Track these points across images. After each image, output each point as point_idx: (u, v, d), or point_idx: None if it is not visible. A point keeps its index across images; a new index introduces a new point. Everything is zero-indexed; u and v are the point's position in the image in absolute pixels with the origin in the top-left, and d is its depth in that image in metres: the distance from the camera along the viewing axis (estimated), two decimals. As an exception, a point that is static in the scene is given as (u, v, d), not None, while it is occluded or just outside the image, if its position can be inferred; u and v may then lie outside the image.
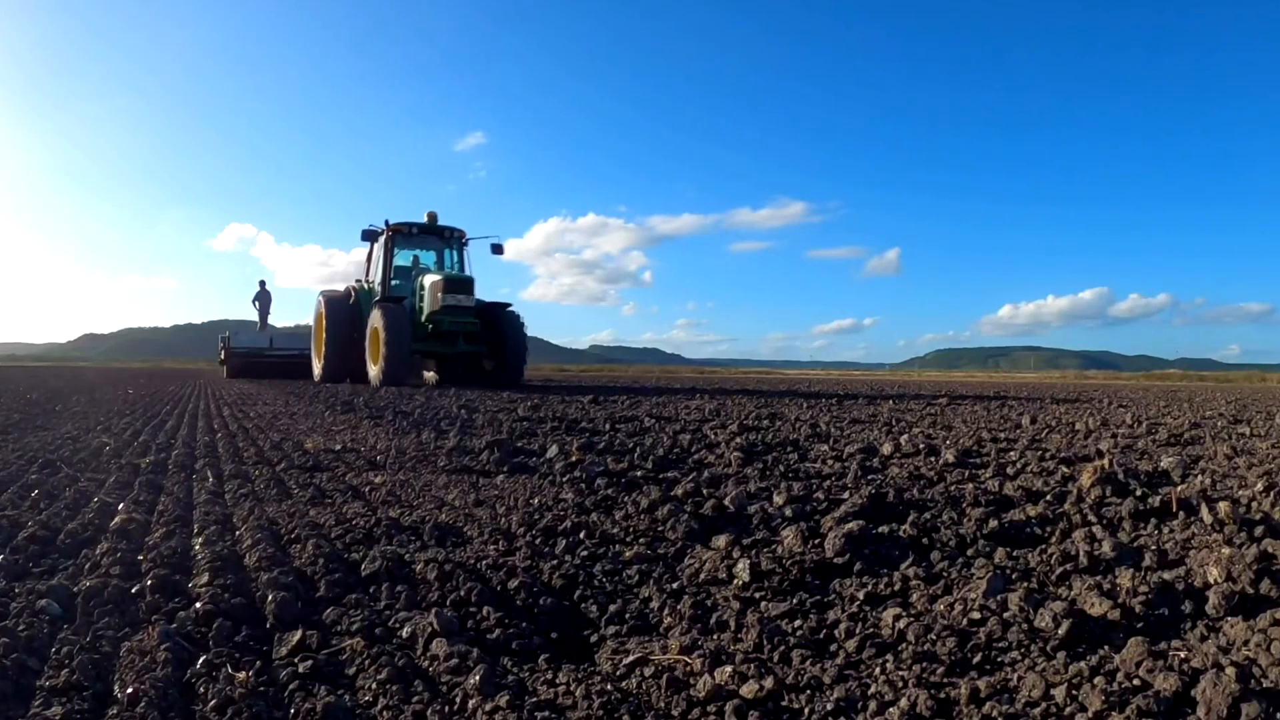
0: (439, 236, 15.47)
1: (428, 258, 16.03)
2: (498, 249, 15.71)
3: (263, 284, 24.01)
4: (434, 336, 13.91)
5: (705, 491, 2.50)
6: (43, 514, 2.15)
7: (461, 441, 3.84)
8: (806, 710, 1.07)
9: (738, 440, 4.01)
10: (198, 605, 1.40)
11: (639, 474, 2.94)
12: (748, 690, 1.09)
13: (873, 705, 1.07)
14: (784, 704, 1.09)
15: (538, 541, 1.95)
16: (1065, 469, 3.05)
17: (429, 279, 14.11)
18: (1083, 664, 1.13)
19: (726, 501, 2.29)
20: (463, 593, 1.51)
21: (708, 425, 4.92)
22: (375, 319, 13.20)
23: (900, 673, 1.17)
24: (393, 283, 14.89)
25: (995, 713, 1.03)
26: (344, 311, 15.18)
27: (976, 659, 1.21)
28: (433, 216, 15.22)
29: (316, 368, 15.66)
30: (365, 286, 15.54)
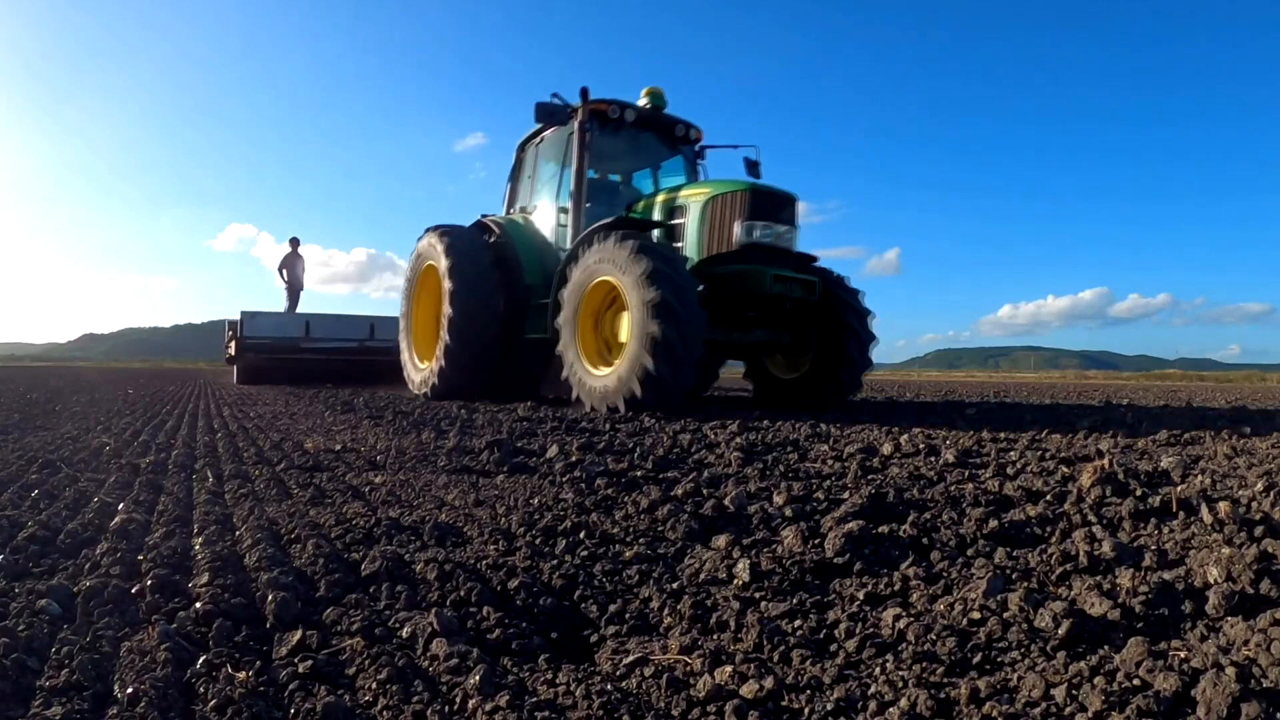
0: (663, 134, 8.16)
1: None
2: (755, 168, 8.20)
3: (295, 243, 15.83)
4: (715, 307, 6.37)
5: (705, 491, 2.50)
6: (43, 514, 2.15)
7: (461, 441, 3.84)
8: (806, 710, 1.07)
9: (738, 440, 4.01)
10: (198, 605, 1.40)
11: (639, 474, 2.94)
12: (748, 690, 1.10)
13: (873, 705, 1.07)
14: (784, 704, 1.09)
15: (538, 541, 1.95)
16: (1065, 469, 3.06)
17: (697, 193, 6.90)
18: (1083, 664, 1.13)
19: (726, 501, 2.29)
20: (463, 593, 1.51)
21: (708, 425, 4.92)
22: (621, 263, 5.91)
23: (900, 673, 1.17)
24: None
25: (995, 713, 1.03)
26: (481, 262, 7.87)
27: (976, 659, 1.21)
28: (657, 95, 8.10)
29: (418, 371, 8.50)
30: (520, 218, 8.41)
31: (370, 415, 5.77)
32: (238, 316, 13.37)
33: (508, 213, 8.86)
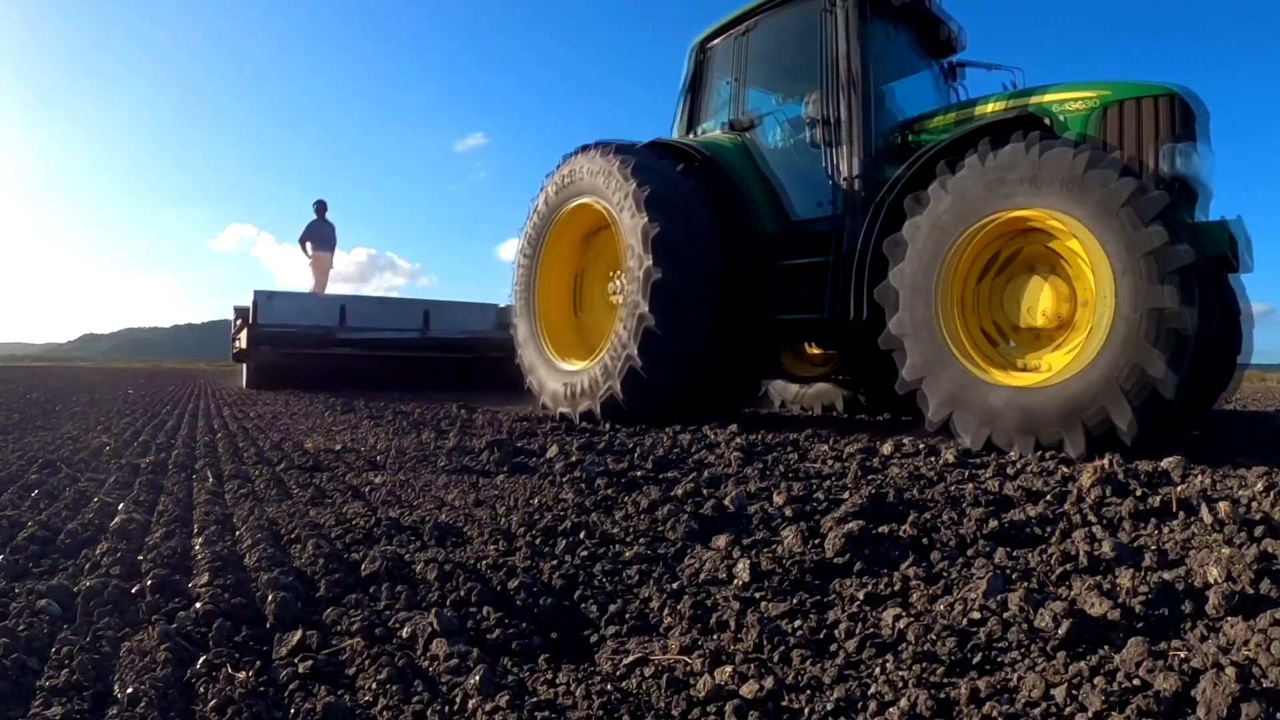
0: (925, 35, 5.32)
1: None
2: None
3: (322, 208, 12.21)
4: None
5: (705, 491, 2.50)
6: (43, 514, 2.15)
7: (461, 441, 3.84)
8: (806, 710, 1.07)
9: (738, 440, 4.01)
10: (198, 605, 1.40)
11: (639, 474, 2.94)
12: (748, 690, 1.10)
13: (873, 705, 1.07)
14: (784, 704, 1.09)
15: (538, 541, 1.95)
16: (1065, 469, 3.05)
17: (1076, 97, 3.94)
18: (1083, 664, 1.14)
19: (726, 501, 2.29)
20: (463, 593, 1.51)
21: (708, 425, 4.92)
22: (1079, 196, 3.29)
23: (900, 673, 1.18)
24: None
25: (995, 713, 1.03)
26: (690, 197, 4.97)
27: (976, 659, 1.21)
28: None
29: (562, 374, 5.45)
30: (729, 139, 5.33)
31: (370, 415, 5.77)
32: (254, 298, 9.56)
33: (723, 121, 5.53)
